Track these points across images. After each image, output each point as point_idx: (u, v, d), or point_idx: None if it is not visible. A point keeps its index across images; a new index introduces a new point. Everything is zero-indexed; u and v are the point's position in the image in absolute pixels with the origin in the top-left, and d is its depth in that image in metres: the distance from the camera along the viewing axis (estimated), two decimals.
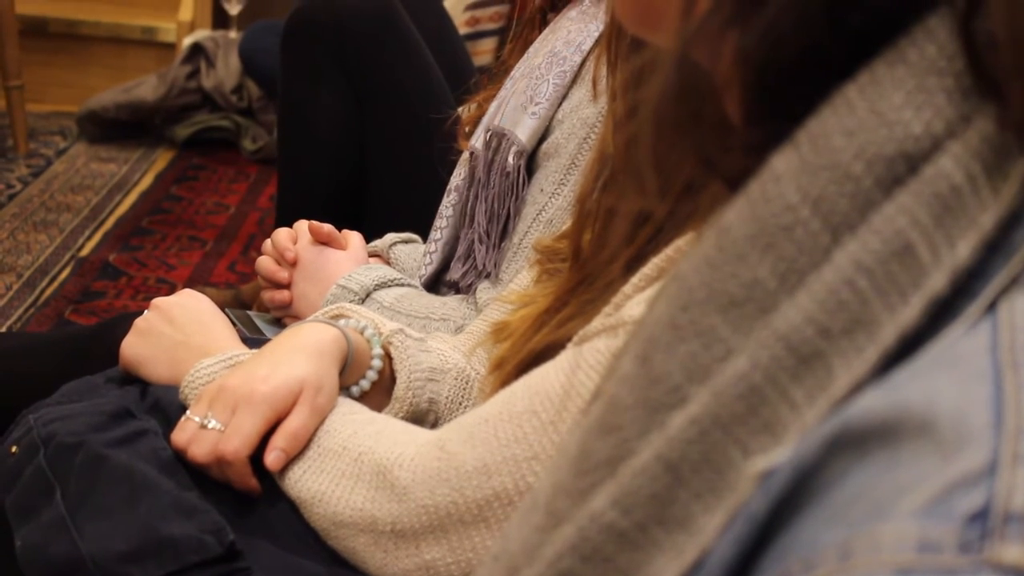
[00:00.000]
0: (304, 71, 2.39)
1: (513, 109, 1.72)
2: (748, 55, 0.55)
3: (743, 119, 0.58)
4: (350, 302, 1.66)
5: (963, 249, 0.51)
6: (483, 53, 3.31)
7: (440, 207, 1.84)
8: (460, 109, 2.00)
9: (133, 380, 1.41)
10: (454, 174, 1.86)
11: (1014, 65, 0.50)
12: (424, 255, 1.87)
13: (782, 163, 0.54)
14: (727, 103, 0.59)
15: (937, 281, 0.51)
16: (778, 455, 0.51)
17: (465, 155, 1.84)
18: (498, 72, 1.90)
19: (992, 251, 0.52)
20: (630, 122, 0.64)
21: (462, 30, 3.27)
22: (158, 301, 1.45)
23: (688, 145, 0.59)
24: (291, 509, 1.24)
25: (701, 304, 0.55)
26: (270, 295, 1.89)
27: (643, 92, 0.60)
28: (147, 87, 4.30)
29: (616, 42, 1.21)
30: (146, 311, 1.45)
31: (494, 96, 1.84)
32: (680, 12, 0.58)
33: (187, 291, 1.48)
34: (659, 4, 0.62)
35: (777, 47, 0.55)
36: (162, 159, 4.23)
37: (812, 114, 0.54)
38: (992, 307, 0.50)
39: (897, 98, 0.52)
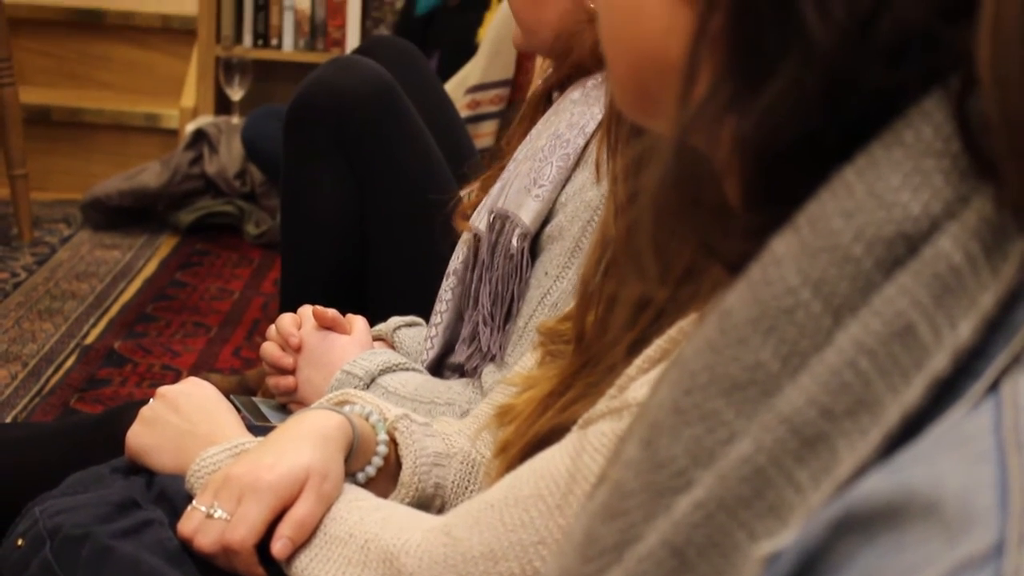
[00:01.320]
0: (306, 155, 2.41)
1: (517, 191, 1.72)
2: (746, 141, 0.56)
3: (743, 203, 0.58)
4: (355, 387, 1.66)
5: (964, 329, 0.51)
6: (484, 136, 3.33)
7: (440, 291, 1.85)
8: (462, 191, 2.01)
9: (139, 470, 1.41)
10: (453, 257, 1.86)
11: (1008, 146, 0.51)
12: (425, 340, 1.87)
13: (782, 246, 0.54)
14: (726, 187, 0.59)
15: (939, 361, 0.51)
16: (784, 538, 0.50)
17: (464, 237, 1.84)
18: (500, 154, 1.91)
19: (993, 330, 0.52)
20: (631, 208, 0.64)
21: (463, 113, 3.29)
22: (163, 390, 1.45)
23: (688, 231, 0.60)
24: None
25: (704, 388, 0.55)
26: (275, 381, 1.89)
27: (643, 179, 0.60)
28: (150, 174, 4.32)
29: (616, 127, 1.21)
30: (151, 400, 1.46)
31: (496, 178, 1.84)
32: (677, 99, 0.58)
33: (192, 379, 1.48)
34: (656, 91, 0.63)
35: (775, 132, 0.55)
36: (166, 245, 4.25)
37: (811, 197, 0.55)
38: (995, 387, 0.51)
39: (895, 180, 0.53)
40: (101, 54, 4.98)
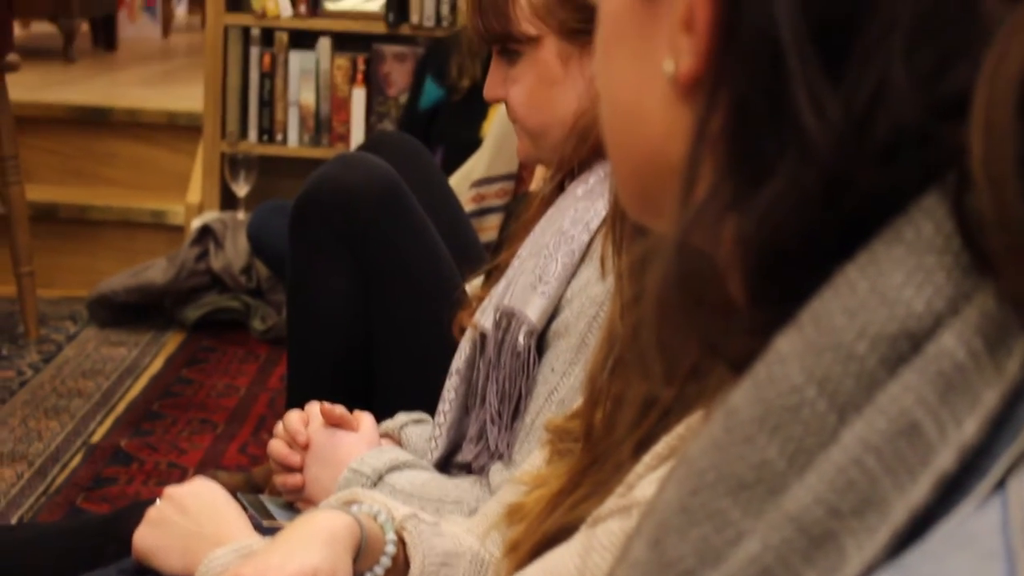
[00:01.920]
0: (312, 252, 2.42)
1: (522, 288, 1.73)
2: (747, 240, 0.56)
3: (746, 301, 0.59)
4: (362, 486, 1.66)
5: (970, 426, 0.52)
6: (489, 229, 3.34)
7: (443, 391, 1.84)
8: (467, 287, 2.01)
9: (147, 571, 1.40)
10: (456, 355, 1.86)
11: (1005, 244, 0.51)
12: (429, 440, 1.87)
13: (786, 344, 0.55)
14: (729, 286, 0.59)
15: (945, 459, 0.51)
16: None
17: (468, 335, 1.84)
18: (504, 248, 1.92)
19: (998, 428, 0.52)
20: (635, 308, 0.65)
21: (468, 207, 3.31)
22: (170, 490, 1.45)
23: (692, 330, 0.60)
24: None
25: (711, 487, 0.55)
26: (282, 479, 1.88)
27: (646, 279, 0.61)
28: (156, 270, 4.34)
29: (620, 224, 1.22)
30: (158, 500, 1.45)
31: (501, 274, 1.85)
32: (678, 200, 0.59)
33: (199, 479, 1.48)
34: (658, 192, 0.63)
35: (776, 231, 0.56)
36: (172, 342, 4.25)
37: (814, 295, 0.55)
38: (1001, 484, 0.51)
39: (897, 277, 0.53)
40: (107, 151, 5.01)
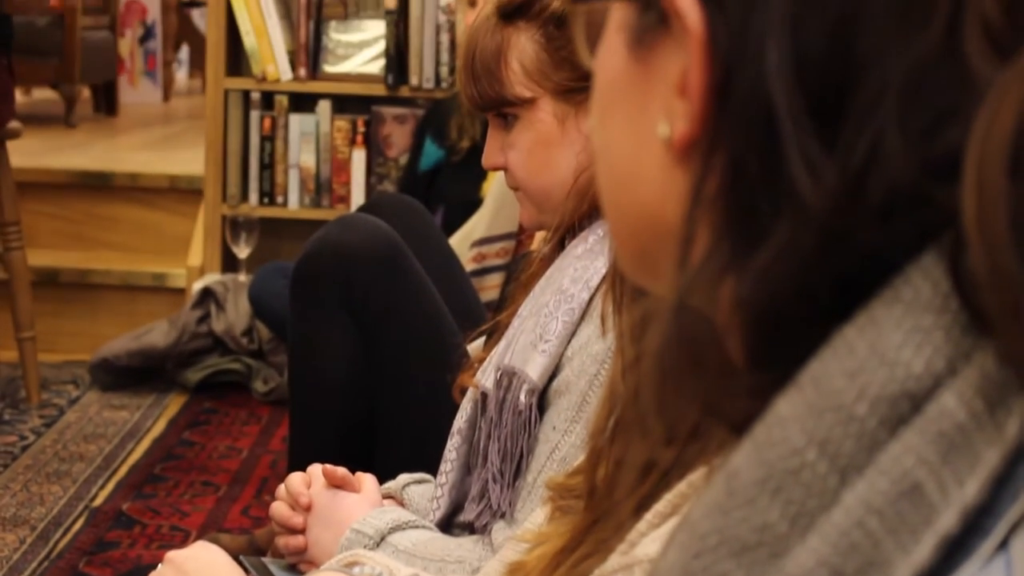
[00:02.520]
0: (313, 314, 2.42)
1: (523, 347, 1.73)
2: (745, 301, 0.57)
3: (745, 363, 0.59)
4: (365, 547, 1.65)
5: (971, 487, 0.52)
6: (490, 289, 3.35)
7: (444, 451, 1.84)
8: (468, 347, 2.01)
9: None
10: (458, 416, 1.86)
11: (1000, 304, 0.51)
12: (431, 500, 1.87)
13: (786, 406, 0.55)
14: (728, 347, 0.60)
15: (948, 520, 0.51)
16: None
17: (469, 394, 1.84)
18: (505, 308, 1.92)
19: (1000, 487, 0.52)
20: (635, 370, 0.65)
21: (468, 266, 3.31)
22: (171, 555, 1.44)
23: (692, 392, 0.60)
24: None
25: (713, 550, 0.55)
26: (284, 541, 1.88)
27: (645, 341, 0.61)
28: (158, 333, 4.34)
29: (621, 283, 1.22)
30: (160, 565, 1.45)
31: (501, 335, 1.85)
32: (676, 262, 0.59)
33: (200, 543, 1.48)
34: (656, 254, 0.64)
35: (773, 293, 0.56)
36: (174, 404, 4.25)
37: (813, 356, 0.55)
38: (1004, 544, 0.50)
39: (896, 337, 0.53)
40: (109, 215, 5.03)
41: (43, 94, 7.16)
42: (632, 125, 0.64)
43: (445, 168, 4.10)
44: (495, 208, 3.49)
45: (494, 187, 3.55)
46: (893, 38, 0.54)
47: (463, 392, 1.88)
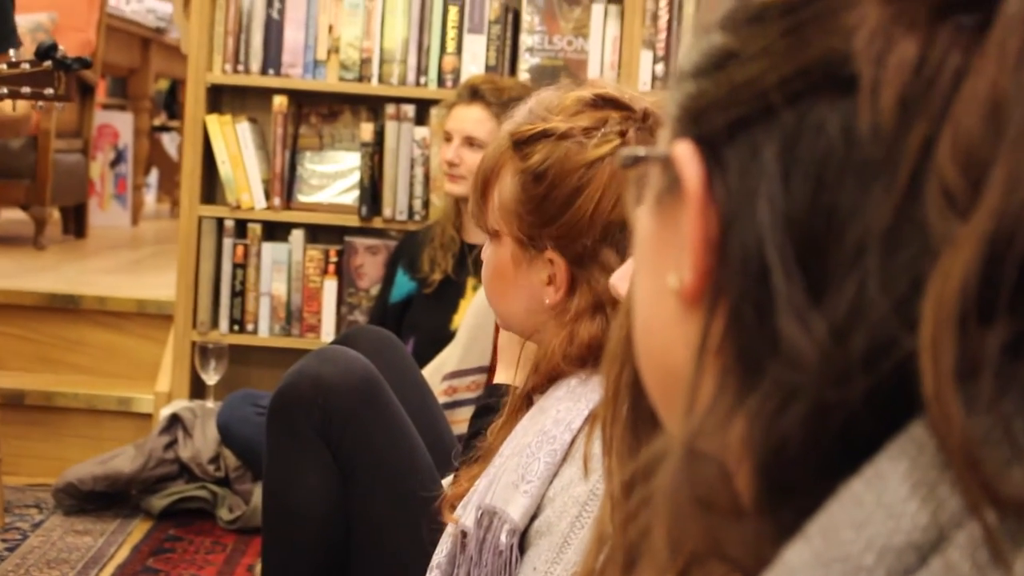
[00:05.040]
0: (290, 444, 2.43)
1: (504, 487, 1.75)
2: (750, 446, 0.59)
3: (753, 506, 0.61)
4: None
5: None
6: (460, 422, 3.35)
7: None
8: (444, 483, 2.02)
9: None
10: (437, 550, 1.87)
11: (950, 451, 0.54)
12: None
13: (795, 556, 0.56)
14: (737, 487, 0.62)
15: None
16: None
17: (449, 530, 1.85)
18: (485, 449, 1.93)
19: None
20: (639, 510, 0.67)
21: (440, 399, 3.32)
22: None
23: (700, 533, 0.62)
24: None
25: None
26: None
27: (656, 481, 0.63)
28: (124, 459, 4.32)
29: (611, 427, 1.24)
30: None
31: (480, 473, 1.86)
32: (684, 405, 0.62)
33: None
34: (672, 396, 0.67)
35: (781, 437, 0.58)
36: (138, 531, 4.21)
37: (820, 507, 0.57)
38: None
39: (902, 491, 0.55)
40: (76, 338, 5.02)
41: (12, 214, 7.17)
42: (653, 277, 0.67)
43: (417, 299, 4.12)
44: (467, 342, 3.51)
45: (466, 321, 3.57)
46: (866, 196, 0.57)
47: (440, 526, 1.89)
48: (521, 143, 1.83)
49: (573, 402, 1.76)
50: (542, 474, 1.72)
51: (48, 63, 3.45)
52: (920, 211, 0.56)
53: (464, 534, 1.79)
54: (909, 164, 0.57)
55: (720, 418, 0.60)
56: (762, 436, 0.59)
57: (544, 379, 1.82)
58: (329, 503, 2.40)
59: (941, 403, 0.54)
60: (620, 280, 1.42)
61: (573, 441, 1.73)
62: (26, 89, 3.48)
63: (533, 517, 1.72)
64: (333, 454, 2.40)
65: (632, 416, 0.94)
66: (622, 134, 1.78)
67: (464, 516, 1.81)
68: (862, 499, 0.56)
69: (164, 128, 9.24)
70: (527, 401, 1.85)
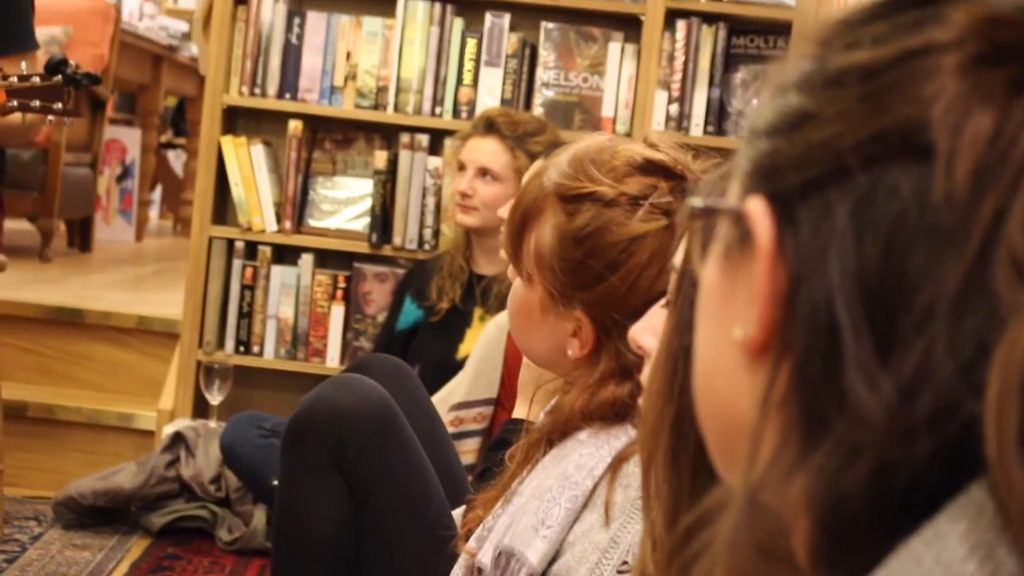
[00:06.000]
0: (304, 470, 2.44)
1: (524, 529, 1.75)
2: (814, 500, 0.61)
3: (808, 562, 0.63)
4: None
5: None
6: (467, 453, 3.37)
7: None
8: (455, 514, 2.03)
9: None
10: None
11: (1016, 514, 0.56)
12: None
13: None
14: (794, 543, 0.63)
15: None
16: None
17: (463, 560, 1.86)
18: (501, 480, 1.94)
19: None
20: (697, 556, 0.69)
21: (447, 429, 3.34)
22: None
23: None
24: None
25: None
26: None
27: (718, 528, 0.65)
28: (126, 475, 4.33)
29: (652, 467, 1.25)
30: None
31: (495, 499, 1.86)
32: (746, 458, 0.64)
33: None
34: (732, 446, 0.68)
35: (842, 494, 0.60)
36: (137, 547, 4.22)
37: (877, 564, 0.59)
38: None
39: (961, 551, 0.56)
40: (81, 352, 5.03)
41: (18, 225, 7.18)
42: (717, 328, 0.69)
43: (423, 328, 4.14)
44: (475, 374, 3.52)
45: (475, 352, 3.58)
46: (937, 261, 0.59)
47: (452, 556, 1.90)
48: (566, 199, 1.82)
49: (595, 448, 1.77)
50: (562, 519, 1.72)
51: (58, 78, 3.46)
52: (989, 279, 0.58)
53: (480, 571, 1.80)
54: (980, 233, 0.58)
55: (783, 472, 0.62)
56: (824, 492, 0.60)
57: (561, 427, 1.83)
58: (341, 530, 2.41)
59: (1004, 467, 0.56)
60: (641, 333, 1.44)
61: (595, 487, 1.74)
62: (36, 102, 3.49)
63: (551, 561, 1.73)
64: (347, 481, 2.41)
65: (672, 458, 0.96)
66: (668, 213, 1.77)
67: (481, 553, 1.81)
68: (921, 558, 0.57)
69: (170, 145, 9.26)
70: (547, 443, 1.86)
